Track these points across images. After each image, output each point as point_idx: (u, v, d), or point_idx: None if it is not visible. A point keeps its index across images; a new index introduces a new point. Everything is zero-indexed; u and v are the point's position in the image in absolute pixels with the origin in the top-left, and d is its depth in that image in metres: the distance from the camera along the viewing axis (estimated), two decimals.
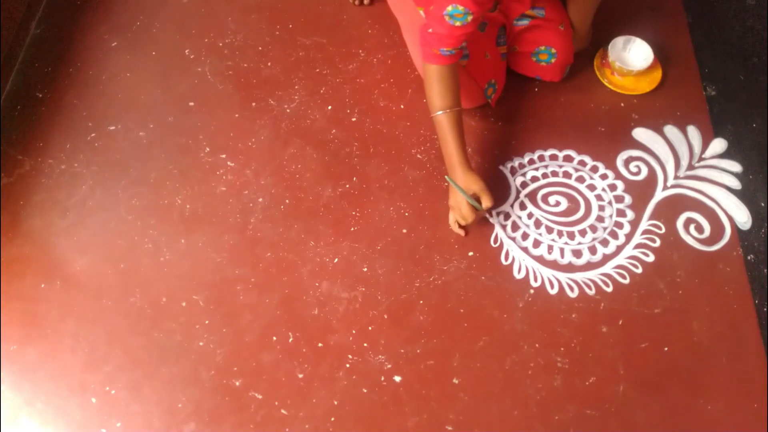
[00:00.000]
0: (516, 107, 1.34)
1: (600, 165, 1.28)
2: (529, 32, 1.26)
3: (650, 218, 1.22)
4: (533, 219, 1.22)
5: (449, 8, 1.03)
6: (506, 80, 1.32)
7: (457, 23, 1.05)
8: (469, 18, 1.04)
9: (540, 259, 1.18)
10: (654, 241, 1.20)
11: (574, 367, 1.08)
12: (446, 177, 1.15)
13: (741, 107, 1.35)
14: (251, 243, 1.20)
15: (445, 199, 1.24)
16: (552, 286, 1.15)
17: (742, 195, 1.24)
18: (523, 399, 1.06)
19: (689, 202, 1.24)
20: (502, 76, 1.30)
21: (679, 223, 1.21)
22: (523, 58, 1.32)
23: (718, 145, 1.30)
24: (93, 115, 1.35)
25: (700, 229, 1.21)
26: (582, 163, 1.28)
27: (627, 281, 1.16)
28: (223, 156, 1.30)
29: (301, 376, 1.08)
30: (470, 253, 1.19)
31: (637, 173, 1.27)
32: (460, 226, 1.19)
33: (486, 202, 1.12)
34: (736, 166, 1.27)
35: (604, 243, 1.20)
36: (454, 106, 1.13)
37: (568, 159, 1.29)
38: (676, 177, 1.27)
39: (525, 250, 1.19)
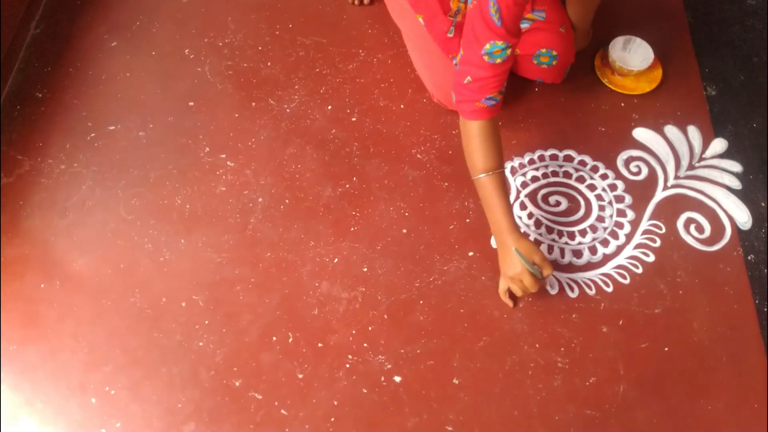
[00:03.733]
0: (516, 107, 1.34)
1: (600, 165, 1.28)
2: (530, 35, 1.26)
3: (650, 218, 1.22)
4: (533, 219, 1.22)
5: (487, 47, 0.97)
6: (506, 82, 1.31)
7: (498, 60, 0.99)
8: (509, 51, 0.99)
9: None
10: (654, 241, 1.20)
11: (574, 367, 1.08)
12: (514, 249, 1.03)
13: (741, 107, 1.35)
14: (251, 243, 1.20)
15: (445, 200, 1.24)
16: (552, 286, 1.15)
17: (742, 195, 1.24)
18: (523, 399, 1.06)
19: (689, 202, 1.24)
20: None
21: (680, 223, 1.21)
22: (524, 61, 1.31)
23: (719, 145, 1.30)
24: (93, 115, 1.35)
25: (700, 229, 1.21)
26: (582, 163, 1.28)
27: (627, 281, 1.16)
28: (223, 156, 1.30)
29: (301, 376, 1.08)
30: (470, 253, 1.19)
31: (638, 173, 1.27)
32: (511, 296, 1.12)
33: (547, 271, 1.04)
34: (736, 166, 1.27)
35: (605, 243, 1.20)
36: (499, 166, 1.05)
37: (569, 159, 1.29)
38: (676, 177, 1.27)
39: None
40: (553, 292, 1.15)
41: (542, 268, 1.04)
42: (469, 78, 1.02)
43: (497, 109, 1.05)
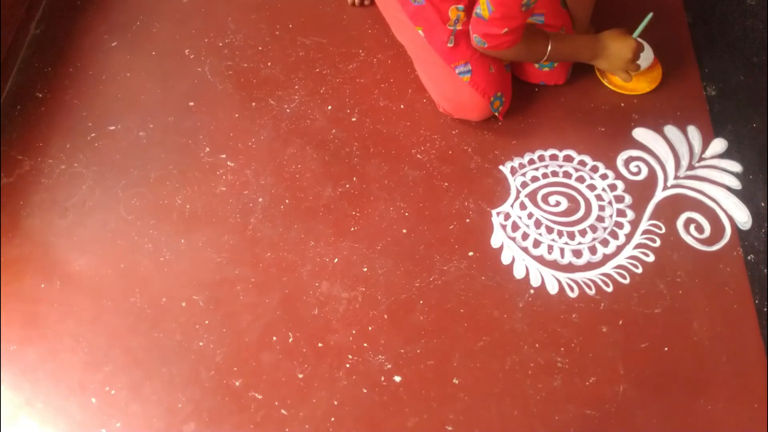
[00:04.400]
0: (516, 107, 1.34)
1: (600, 165, 1.28)
2: None
3: (650, 218, 1.22)
4: (533, 219, 1.22)
5: None
6: None
7: (532, 4, 1.06)
8: None
9: (540, 259, 1.18)
10: (654, 241, 1.20)
11: (574, 367, 1.08)
12: (641, 24, 1.25)
13: (741, 107, 1.35)
14: (251, 243, 1.20)
15: (445, 200, 1.24)
16: (552, 286, 1.15)
17: (742, 195, 1.24)
18: (523, 399, 1.06)
19: (689, 202, 1.24)
20: (509, 88, 1.29)
21: (679, 223, 1.21)
22: (526, 66, 1.31)
23: (718, 145, 1.30)
24: (93, 115, 1.35)
25: (700, 229, 1.21)
26: (582, 163, 1.28)
27: (627, 281, 1.16)
28: (223, 156, 1.30)
29: (301, 376, 1.08)
30: (470, 253, 1.19)
31: (637, 173, 1.27)
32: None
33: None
34: (736, 166, 1.27)
35: (604, 243, 1.20)
36: (548, 35, 1.18)
37: (568, 159, 1.29)
38: (676, 177, 1.27)
39: (525, 250, 1.19)
40: (553, 292, 1.15)
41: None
42: (506, 29, 1.09)
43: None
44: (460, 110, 1.28)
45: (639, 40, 1.25)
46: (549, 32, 1.19)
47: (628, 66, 1.25)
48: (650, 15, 1.22)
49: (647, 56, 1.33)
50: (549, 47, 1.18)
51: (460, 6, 1.18)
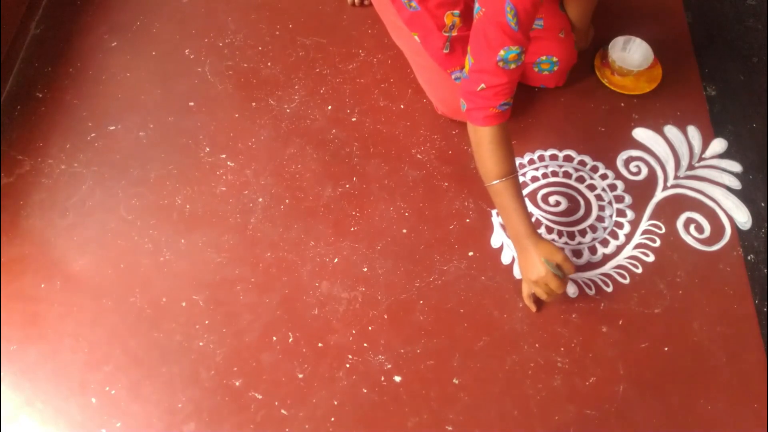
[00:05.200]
0: (516, 107, 1.33)
1: (600, 165, 1.28)
2: (530, 44, 1.25)
3: (650, 218, 1.22)
4: (533, 219, 1.22)
5: (502, 53, 0.96)
6: None
7: (513, 66, 0.98)
8: (523, 56, 0.98)
9: None
10: (654, 241, 1.20)
11: (574, 367, 1.08)
12: (544, 260, 1.01)
13: (741, 107, 1.35)
14: (251, 243, 1.20)
15: (445, 200, 1.24)
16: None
17: (742, 195, 1.24)
18: (523, 399, 1.06)
19: (689, 202, 1.24)
20: None
21: (679, 223, 1.21)
22: (526, 70, 1.31)
23: (718, 145, 1.30)
24: (93, 115, 1.35)
25: (700, 229, 1.21)
26: (582, 163, 1.28)
27: (627, 281, 1.16)
28: (223, 156, 1.30)
29: (301, 376, 1.08)
30: (470, 253, 1.19)
31: (637, 173, 1.27)
32: (535, 300, 1.11)
33: (569, 270, 1.02)
34: (736, 166, 1.27)
35: (604, 243, 1.20)
36: (513, 170, 1.04)
37: (568, 159, 1.29)
38: (676, 177, 1.27)
39: None
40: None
41: (564, 268, 1.02)
42: (482, 85, 1.00)
43: (508, 113, 1.04)
44: (457, 114, 1.28)
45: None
46: (512, 179, 1.03)
47: (527, 283, 1.08)
48: (559, 259, 1.02)
49: (647, 56, 1.33)
50: (502, 180, 1.02)
51: (456, 12, 1.17)
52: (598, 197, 1.25)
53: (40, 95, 1.38)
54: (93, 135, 1.33)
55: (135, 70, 1.41)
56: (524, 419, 1.04)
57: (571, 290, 1.15)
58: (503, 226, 1.21)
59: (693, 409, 1.05)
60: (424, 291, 1.15)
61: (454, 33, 1.19)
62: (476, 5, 0.97)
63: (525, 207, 1.05)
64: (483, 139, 1.03)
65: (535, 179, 1.26)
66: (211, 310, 1.14)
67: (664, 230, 1.21)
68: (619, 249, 1.19)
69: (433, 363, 1.09)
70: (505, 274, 1.17)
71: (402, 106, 1.35)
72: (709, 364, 1.08)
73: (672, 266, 1.17)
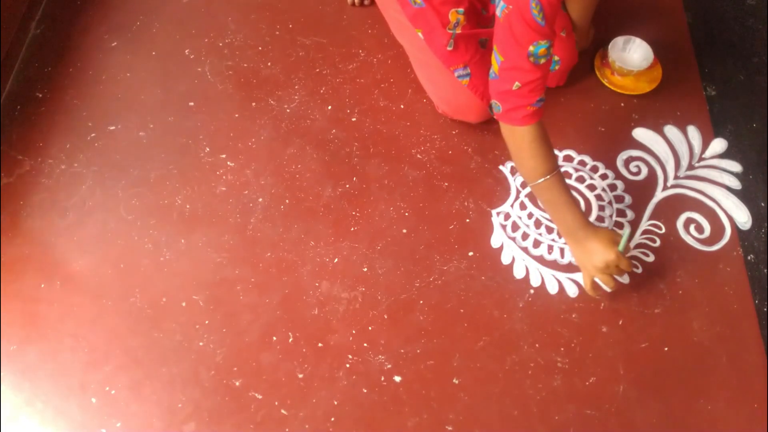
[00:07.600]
0: None
1: (600, 165, 1.28)
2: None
3: (650, 218, 1.22)
4: (533, 219, 1.22)
5: (531, 48, 0.94)
6: None
7: (543, 60, 0.96)
8: (551, 50, 0.97)
9: (540, 259, 1.18)
10: (654, 241, 1.20)
11: (574, 367, 1.08)
12: (622, 236, 1.03)
13: (741, 107, 1.35)
14: (251, 243, 1.20)
15: (445, 200, 1.24)
16: (552, 286, 1.15)
17: (742, 195, 1.24)
18: (523, 399, 1.06)
19: (689, 202, 1.24)
20: None
21: (679, 223, 1.21)
22: None
23: (718, 145, 1.30)
24: (93, 115, 1.35)
25: (700, 229, 1.21)
26: (582, 163, 1.28)
27: (627, 281, 1.16)
28: (223, 156, 1.30)
29: (301, 376, 1.08)
30: (470, 253, 1.19)
31: (637, 173, 1.27)
32: (596, 287, 1.10)
33: (628, 249, 1.02)
34: (736, 166, 1.27)
35: None
36: (557, 166, 1.03)
37: (568, 159, 1.29)
38: (676, 177, 1.27)
39: (525, 250, 1.19)
40: (553, 292, 1.14)
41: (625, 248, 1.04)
42: (518, 84, 0.98)
43: (543, 110, 1.02)
44: (458, 112, 1.28)
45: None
46: (557, 175, 1.04)
47: (594, 272, 1.07)
48: (628, 230, 1.05)
49: (647, 56, 1.33)
50: (548, 177, 1.02)
51: (460, 9, 1.17)
52: (598, 197, 1.25)
53: (40, 95, 1.38)
54: (93, 135, 1.33)
55: (135, 70, 1.41)
56: (524, 419, 1.04)
57: (572, 290, 1.15)
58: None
59: (693, 409, 1.05)
60: (424, 291, 1.15)
61: (458, 30, 1.19)
62: (500, 3, 0.96)
63: (574, 198, 1.06)
64: (523, 140, 1.02)
65: None
66: (211, 310, 1.14)
67: (664, 230, 1.21)
68: None
69: (433, 363, 1.09)
70: (505, 274, 1.17)
71: (402, 106, 1.35)
72: (709, 364, 1.08)
73: (672, 266, 1.17)
